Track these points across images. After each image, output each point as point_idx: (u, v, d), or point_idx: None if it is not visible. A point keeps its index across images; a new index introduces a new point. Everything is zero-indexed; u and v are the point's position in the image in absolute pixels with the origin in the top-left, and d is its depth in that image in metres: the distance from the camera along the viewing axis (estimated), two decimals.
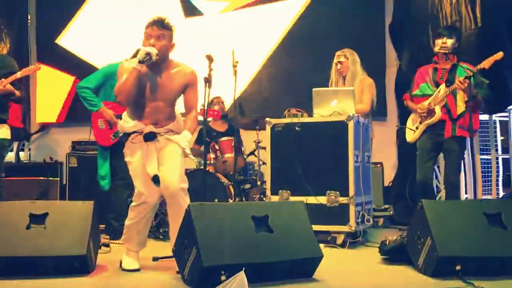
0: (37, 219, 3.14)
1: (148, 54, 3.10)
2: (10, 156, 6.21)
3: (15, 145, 6.24)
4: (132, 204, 3.29)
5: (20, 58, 6.20)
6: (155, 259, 3.51)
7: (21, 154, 6.32)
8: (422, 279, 2.99)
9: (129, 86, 3.12)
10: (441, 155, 4.68)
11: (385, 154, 6.05)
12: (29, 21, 6.59)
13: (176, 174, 3.21)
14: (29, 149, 6.41)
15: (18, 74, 4.08)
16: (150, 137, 3.25)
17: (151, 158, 3.22)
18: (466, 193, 5.89)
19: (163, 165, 3.24)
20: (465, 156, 5.45)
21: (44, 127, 6.55)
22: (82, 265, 3.10)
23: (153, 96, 3.26)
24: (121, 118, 3.39)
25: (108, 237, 4.42)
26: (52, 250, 3.05)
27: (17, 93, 4.13)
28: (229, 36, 6.49)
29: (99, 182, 4.54)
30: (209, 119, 5.46)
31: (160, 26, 3.20)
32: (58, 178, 5.59)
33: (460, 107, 4.14)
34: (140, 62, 3.09)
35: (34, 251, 3.04)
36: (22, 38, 6.44)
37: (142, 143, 3.26)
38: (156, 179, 3.18)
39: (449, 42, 4.22)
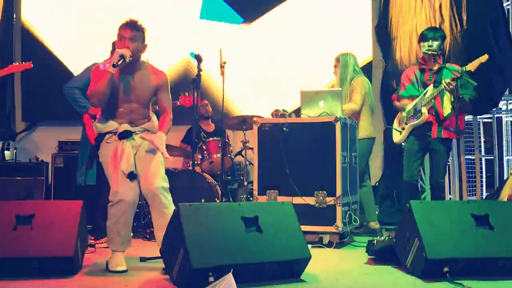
0: (24, 220, 3.11)
1: (122, 56, 3.14)
2: None
3: None
4: (109, 204, 3.27)
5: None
6: (142, 259, 3.49)
7: (6, 153, 6.23)
8: (410, 280, 3.01)
9: (102, 88, 3.16)
10: (427, 156, 4.73)
11: (371, 154, 6.09)
12: (14, 20, 6.50)
13: (157, 173, 3.24)
14: (15, 149, 6.33)
15: (8, 70, 3.92)
16: (125, 135, 3.26)
17: (127, 155, 3.22)
18: (450, 193, 5.94)
19: (142, 165, 3.25)
20: (450, 157, 5.50)
21: (30, 126, 6.47)
22: (68, 266, 3.07)
23: (126, 97, 3.29)
24: (95, 119, 3.38)
25: (93, 237, 4.38)
26: (38, 251, 3.02)
27: None
28: (222, 37, 6.50)
29: (77, 179, 4.54)
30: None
31: (133, 28, 3.26)
32: (44, 178, 5.53)
33: (447, 109, 4.18)
34: (114, 65, 3.13)
35: (20, 252, 3.01)
36: (7, 38, 6.35)
37: (117, 143, 3.27)
38: (131, 176, 3.19)
39: (435, 44, 4.25)
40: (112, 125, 3.28)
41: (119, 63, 3.12)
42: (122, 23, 3.28)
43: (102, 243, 4.14)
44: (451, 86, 3.95)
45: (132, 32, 3.24)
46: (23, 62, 4.11)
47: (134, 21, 3.29)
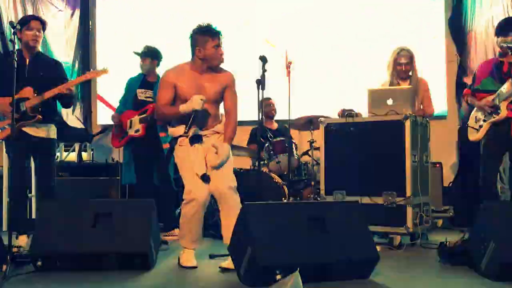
0: (102, 217, 3.29)
1: (194, 111, 3.27)
2: (72, 156, 6.51)
3: (76, 146, 6.52)
4: (183, 202, 3.40)
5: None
6: (211, 256, 3.58)
7: (84, 154, 6.59)
8: (485, 283, 2.89)
9: (169, 118, 3.42)
10: (507, 155, 4.49)
11: (444, 154, 5.88)
12: (90, 27, 6.84)
13: (225, 174, 3.32)
14: (92, 150, 6.67)
15: (88, 75, 4.10)
16: (195, 139, 3.36)
17: (199, 158, 3.34)
18: None
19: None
20: None
21: (106, 129, 6.79)
22: (143, 262, 3.22)
23: None
24: (169, 125, 3.52)
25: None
26: (116, 247, 3.19)
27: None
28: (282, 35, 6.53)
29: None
30: None
31: (220, 35, 3.36)
32: (119, 178, 5.79)
33: None
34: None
35: (99, 247, 3.19)
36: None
37: (189, 145, 3.37)
38: (204, 178, 3.29)
39: (510, 38, 4.05)
40: (183, 129, 3.39)
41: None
42: (211, 31, 3.34)
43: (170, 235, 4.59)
44: None
45: (220, 39, 3.35)
46: (100, 70, 4.20)
47: (216, 29, 3.38)
